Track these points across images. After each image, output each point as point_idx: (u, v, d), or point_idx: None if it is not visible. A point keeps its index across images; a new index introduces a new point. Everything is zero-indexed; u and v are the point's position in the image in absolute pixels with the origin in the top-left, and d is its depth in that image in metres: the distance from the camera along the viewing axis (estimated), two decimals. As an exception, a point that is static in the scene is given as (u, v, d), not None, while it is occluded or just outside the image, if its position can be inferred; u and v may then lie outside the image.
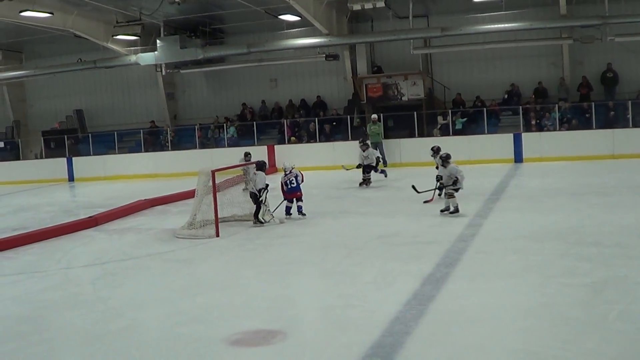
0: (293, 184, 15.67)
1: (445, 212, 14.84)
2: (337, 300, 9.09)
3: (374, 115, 26.47)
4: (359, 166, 21.10)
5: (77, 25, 27.72)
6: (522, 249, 11.39)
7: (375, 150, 21.47)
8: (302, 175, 15.88)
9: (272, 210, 15.64)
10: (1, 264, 13.05)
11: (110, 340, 8.05)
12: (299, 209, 15.71)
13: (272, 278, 10.64)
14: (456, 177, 14.85)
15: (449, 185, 14.93)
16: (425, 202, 16.03)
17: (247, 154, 20.82)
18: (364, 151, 20.88)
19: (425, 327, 7.71)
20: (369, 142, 21.62)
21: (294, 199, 15.78)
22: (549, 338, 7.15)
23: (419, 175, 22.74)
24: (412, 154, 26.91)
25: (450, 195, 14.88)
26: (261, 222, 15.19)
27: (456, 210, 14.75)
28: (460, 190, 14.94)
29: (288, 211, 15.87)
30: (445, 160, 15.26)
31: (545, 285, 9.13)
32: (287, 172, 15.79)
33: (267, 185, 15.49)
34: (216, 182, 14.70)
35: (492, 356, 6.85)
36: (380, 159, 21.94)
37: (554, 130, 26.38)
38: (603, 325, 7.49)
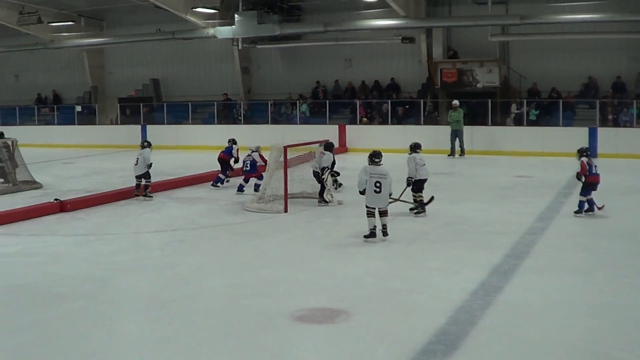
0: (247, 167, 17.12)
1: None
2: (403, 284, 9.08)
3: (455, 101, 25.94)
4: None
5: (158, -4, 28.03)
6: (592, 246, 11.21)
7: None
8: (262, 159, 16.91)
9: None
10: (72, 224, 13.39)
11: (176, 306, 8.17)
12: (255, 186, 16.63)
13: (338, 257, 10.68)
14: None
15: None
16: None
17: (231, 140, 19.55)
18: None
19: (491, 318, 7.66)
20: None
21: (250, 178, 17.07)
22: (615, 339, 7.03)
23: (488, 164, 22.60)
24: (483, 142, 26.59)
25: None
26: (326, 202, 15.20)
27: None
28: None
29: (240, 188, 17.10)
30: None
31: (614, 285, 8.98)
32: (247, 154, 17.11)
33: (332, 166, 15.47)
34: (287, 158, 14.78)
35: (555, 353, 6.76)
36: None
37: (631, 126, 25.78)
38: (674, 330, 7.33)
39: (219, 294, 8.80)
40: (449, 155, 25.02)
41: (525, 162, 23.57)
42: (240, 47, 31.75)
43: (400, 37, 29.27)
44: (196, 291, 8.83)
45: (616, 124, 26.26)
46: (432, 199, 13.77)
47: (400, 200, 13.66)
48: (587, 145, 14.33)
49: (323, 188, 15.26)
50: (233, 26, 29.54)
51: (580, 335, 7.21)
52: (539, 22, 26.21)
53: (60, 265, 10.32)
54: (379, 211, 11.59)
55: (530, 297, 8.44)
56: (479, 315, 7.72)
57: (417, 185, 13.95)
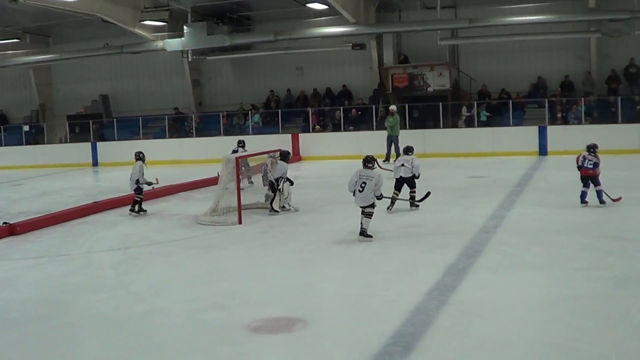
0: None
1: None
2: (359, 289, 9.10)
3: (392, 107, 25.48)
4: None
5: (105, 10, 27.70)
6: (545, 242, 11.33)
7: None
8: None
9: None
10: (24, 248, 13.13)
11: (131, 325, 8.08)
12: None
13: (294, 266, 10.66)
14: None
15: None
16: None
17: (240, 142, 20.38)
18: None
19: (447, 318, 7.71)
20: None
21: None
22: (572, 331, 7.13)
23: (442, 166, 22.74)
24: (436, 145, 26.81)
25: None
26: (276, 211, 15.16)
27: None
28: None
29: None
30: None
31: (568, 278, 9.12)
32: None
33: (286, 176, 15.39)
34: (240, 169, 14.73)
35: (513, 348, 6.82)
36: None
37: (579, 124, 26.17)
38: (626, 319, 7.45)
39: (175, 309, 8.71)
40: (384, 161, 24.17)
41: (478, 162, 23.81)
42: (190, 59, 31.54)
43: (351, 44, 29.39)
44: (151, 308, 8.74)
45: (565, 121, 26.73)
46: (427, 194, 14.67)
47: (399, 199, 14.76)
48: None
49: (274, 197, 15.23)
50: (182, 38, 29.39)
51: (537, 329, 7.28)
52: (487, 24, 26.53)
53: (11, 289, 10.10)
54: (361, 211, 11.97)
55: (484, 294, 8.53)
56: (434, 315, 7.77)
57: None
